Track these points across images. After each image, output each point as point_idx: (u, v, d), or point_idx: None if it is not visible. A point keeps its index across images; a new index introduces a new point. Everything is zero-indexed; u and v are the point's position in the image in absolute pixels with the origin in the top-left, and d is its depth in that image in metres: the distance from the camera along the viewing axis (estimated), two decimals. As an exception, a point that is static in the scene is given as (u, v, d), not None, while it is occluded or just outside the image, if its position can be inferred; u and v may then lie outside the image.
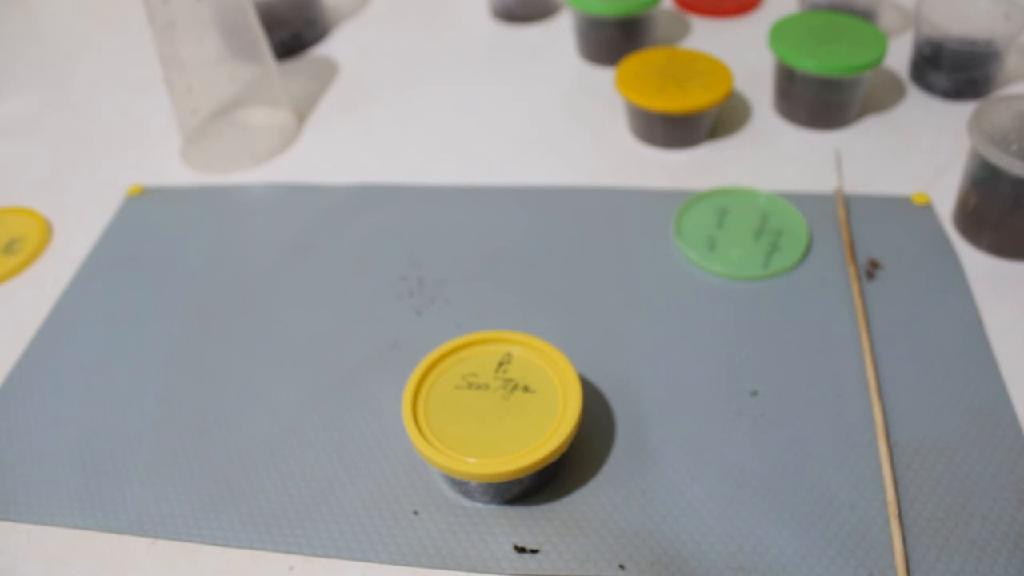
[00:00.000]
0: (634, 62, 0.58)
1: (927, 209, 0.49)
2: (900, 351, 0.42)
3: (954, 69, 0.56)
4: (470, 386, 0.38)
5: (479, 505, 0.37)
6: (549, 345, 0.38)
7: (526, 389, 0.37)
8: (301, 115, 0.65)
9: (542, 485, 0.37)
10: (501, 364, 0.38)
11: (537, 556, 0.35)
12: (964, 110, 0.56)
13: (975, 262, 0.46)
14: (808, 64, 0.53)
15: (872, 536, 0.35)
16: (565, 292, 0.47)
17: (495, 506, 0.37)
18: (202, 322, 0.48)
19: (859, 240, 0.48)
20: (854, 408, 0.39)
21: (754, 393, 0.41)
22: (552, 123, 0.60)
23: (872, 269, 0.46)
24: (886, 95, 0.59)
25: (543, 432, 0.35)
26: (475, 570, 0.35)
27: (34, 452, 0.42)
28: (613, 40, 0.64)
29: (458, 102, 0.64)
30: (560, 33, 0.71)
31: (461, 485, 0.37)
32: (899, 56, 0.61)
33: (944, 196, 0.50)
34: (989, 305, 0.43)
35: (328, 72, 0.70)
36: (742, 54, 0.63)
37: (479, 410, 0.37)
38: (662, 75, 0.56)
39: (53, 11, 0.88)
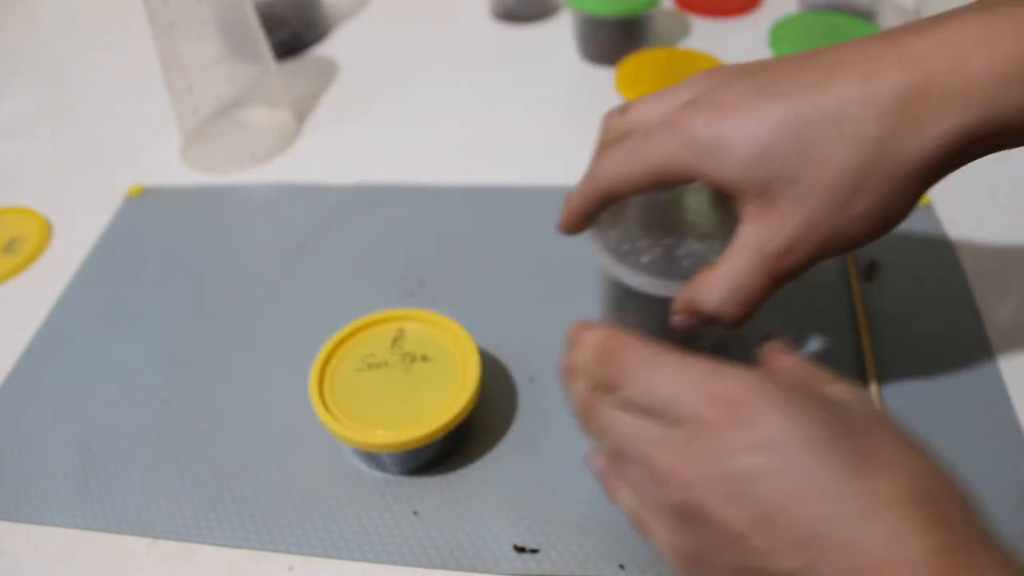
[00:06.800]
0: (634, 62, 0.58)
1: (927, 209, 0.49)
2: (900, 351, 0.42)
3: (954, 69, 0.56)
4: (370, 367, 0.39)
5: (397, 476, 0.39)
6: (439, 315, 0.40)
7: (424, 359, 0.39)
8: (301, 115, 0.65)
9: (451, 451, 0.39)
10: (395, 340, 0.40)
11: (537, 556, 0.35)
12: (964, 110, 0.56)
13: (975, 262, 0.46)
14: (808, 64, 0.53)
15: (872, 536, 0.35)
16: (565, 292, 0.47)
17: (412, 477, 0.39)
18: (202, 322, 0.48)
19: (859, 240, 0.48)
20: (854, 408, 0.39)
21: (754, 393, 0.40)
22: (552, 123, 0.60)
23: (872, 269, 0.46)
24: (886, 95, 0.59)
25: (448, 397, 0.37)
26: (475, 570, 0.35)
27: (34, 452, 0.42)
28: (613, 40, 0.64)
29: (458, 102, 0.64)
30: (560, 33, 0.71)
31: (374, 459, 0.38)
32: (899, 56, 0.61)
33: (944, 196, 0.50)
34: (989, 305, 0.43)
35: (328, 72, 0.70)
36: (742, 54, 0.62)
37: (383, 387, 0.38)
38: (662, 75, 0.56)
39: (53, 11, 0.88)
